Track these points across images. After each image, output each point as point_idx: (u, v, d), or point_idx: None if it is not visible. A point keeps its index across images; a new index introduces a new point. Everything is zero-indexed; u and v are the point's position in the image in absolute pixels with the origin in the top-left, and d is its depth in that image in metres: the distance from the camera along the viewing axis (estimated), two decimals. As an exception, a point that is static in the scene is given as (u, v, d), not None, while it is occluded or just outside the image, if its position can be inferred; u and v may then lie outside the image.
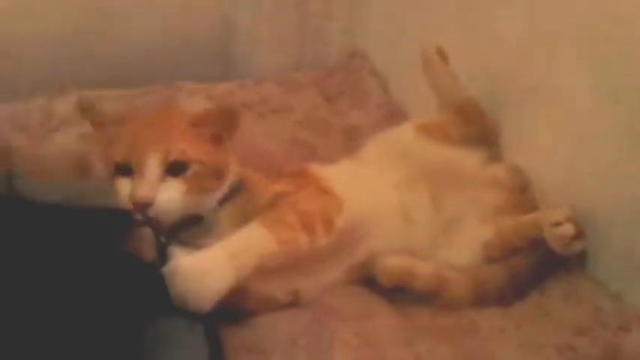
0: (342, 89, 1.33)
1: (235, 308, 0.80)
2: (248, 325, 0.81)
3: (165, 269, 0.73)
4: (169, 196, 0.79)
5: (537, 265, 0.92)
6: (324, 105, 1.28)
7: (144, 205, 0.77)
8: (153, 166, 0.78)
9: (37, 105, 1.15)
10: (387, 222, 0.95)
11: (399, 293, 0.90)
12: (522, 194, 1.02)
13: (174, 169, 0.80)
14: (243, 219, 0.83)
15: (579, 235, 0.89)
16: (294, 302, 0.85)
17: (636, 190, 0.88)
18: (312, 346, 0.78)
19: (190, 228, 0.84)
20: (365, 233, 0.93)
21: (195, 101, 1.18)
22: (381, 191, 0.98)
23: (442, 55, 1.04)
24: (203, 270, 0.73)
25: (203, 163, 0.82)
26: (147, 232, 0.78)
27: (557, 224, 0.88)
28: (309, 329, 0.79)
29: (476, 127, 1.05)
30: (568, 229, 0.88)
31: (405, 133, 1.06)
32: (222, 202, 0.86)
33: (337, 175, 0.99)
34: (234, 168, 0.88)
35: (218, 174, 0.85)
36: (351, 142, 1.19)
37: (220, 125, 0.86)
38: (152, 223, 0.79)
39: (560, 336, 0.85)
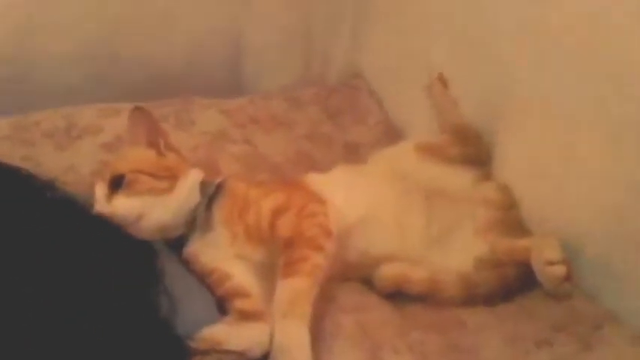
0: (344, 107, 1.42)
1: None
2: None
3: None
4: (115, 207, 0.90)
5: (525, 275, 1.00)
6: (327, 121, 1.37)
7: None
8: (99, 189, 0.92)
9: (61, 114, 1.22)
10: (379, 228, 1.03)
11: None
12: (510, 211, 1.10)
13: (115, 184, 0.92)
14: (234, 222, 0.94)
15: (569, 277, 0.95)
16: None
17: (613, 203, 0.96)
18: (316, 335, 0.85)
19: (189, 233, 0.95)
20: (357, 235, 1.00)
21: (209, 115, 1.27)
22: (376, 200, 1.06)
23: (442, 81, 1.15)
24: (283, 347, 0.80)
25: (138, 170, 0.94)
26: None
27: (551, 263, 0.95)
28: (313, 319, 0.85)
29: (472, 148, 1.15)
30: (561, 270, 0.94)
31: (405, 149, 1.16)
32: (208, 205, 0.96)
33: (333, 182, 1.08)
34: (192, 171, 1.00)
35: (166, 175, 0.96)
36: (351, 155, 1.28)
37: (147, 133, 1.01)
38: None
39: (539, 331, 0.92)
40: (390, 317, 0.94)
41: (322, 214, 0.97)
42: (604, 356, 0.89)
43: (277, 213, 0.95)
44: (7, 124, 1.18)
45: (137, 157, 0.99)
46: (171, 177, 0.96)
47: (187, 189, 0.97)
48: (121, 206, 0.90)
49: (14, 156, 1.07)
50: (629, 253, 0.94)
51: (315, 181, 1.07)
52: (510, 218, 1.10)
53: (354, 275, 1.00)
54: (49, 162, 1.12)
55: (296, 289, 0.85)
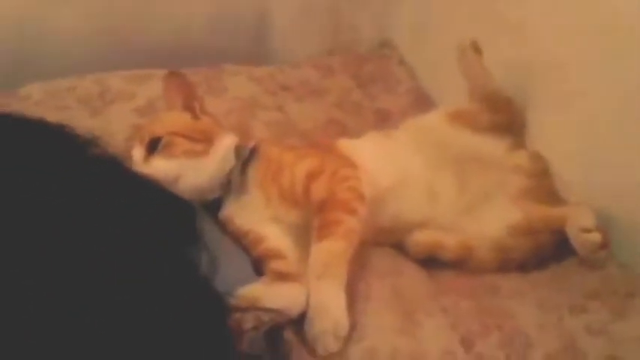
0: (374, 76, 1.41)
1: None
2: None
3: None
4: (152, 169, 0.91)
5: (558, 243, 0.99)
6: (357, 89, 1.36)
7: None
8: (136, 151, 0.94)
9: (93, 79, 1.23)
10: (411, 194, 1.03)
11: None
12: (543, 179, 1.10)
13: (153, 147, 0.93)
14: (269, 185, 0.95)
15: (606, 244, 0.94)
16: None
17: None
18: (350, 297, 0.85)
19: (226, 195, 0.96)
20: (389, 201, 1.01)
21: (239, 81, 1.27)
22: (407, 166, 1.06)
23: (476, 48, 1.13)
24: (319, 307, 0.81)
25: (175, 132, 0.95)
26: None
27: (587, 230, 0.95)
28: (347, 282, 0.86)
29: (503, 115, 1.14)
30: (596, 237, 0.94)
31: (436, 117, 1.14)
32: (242, 168, 0.97)
33: (365, 148, 1.08)
34: (227, 135, 1.00)
35: (202, 138, 0.97)
36: (381, 123, 1.28)
37: (183, 97, 1.02)
38: None
39: (573, 299, 0.93)
40: (423, 282, 0.94)
41: (354, 178, 0.97)
42: (637, 325, 0.88)
43: (311, 177, 0.95)
44: (40, 89, 1.19)
45: (173, 120, 1.00)
46: (207, 140, 0.97)
47: (223, 152, 0.97)
48: (158, 168, 0.91)
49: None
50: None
51: (347, 146, 1.07)
52: (544, 186, 1.09)
53: (386, 240, 1.01)
54: (82, 126, 1.12)
55: (330, 252, 0.86)
